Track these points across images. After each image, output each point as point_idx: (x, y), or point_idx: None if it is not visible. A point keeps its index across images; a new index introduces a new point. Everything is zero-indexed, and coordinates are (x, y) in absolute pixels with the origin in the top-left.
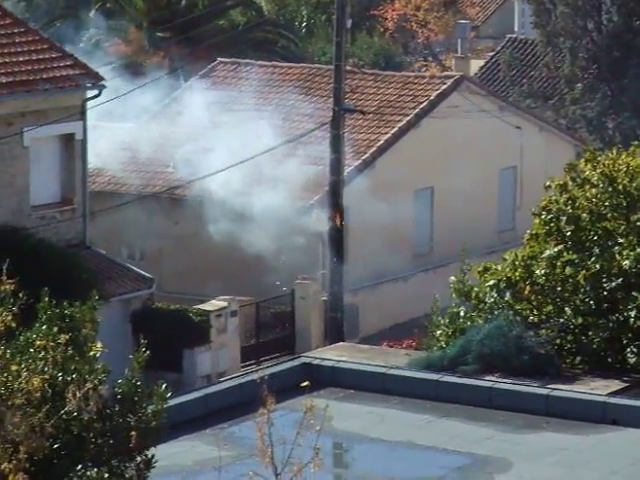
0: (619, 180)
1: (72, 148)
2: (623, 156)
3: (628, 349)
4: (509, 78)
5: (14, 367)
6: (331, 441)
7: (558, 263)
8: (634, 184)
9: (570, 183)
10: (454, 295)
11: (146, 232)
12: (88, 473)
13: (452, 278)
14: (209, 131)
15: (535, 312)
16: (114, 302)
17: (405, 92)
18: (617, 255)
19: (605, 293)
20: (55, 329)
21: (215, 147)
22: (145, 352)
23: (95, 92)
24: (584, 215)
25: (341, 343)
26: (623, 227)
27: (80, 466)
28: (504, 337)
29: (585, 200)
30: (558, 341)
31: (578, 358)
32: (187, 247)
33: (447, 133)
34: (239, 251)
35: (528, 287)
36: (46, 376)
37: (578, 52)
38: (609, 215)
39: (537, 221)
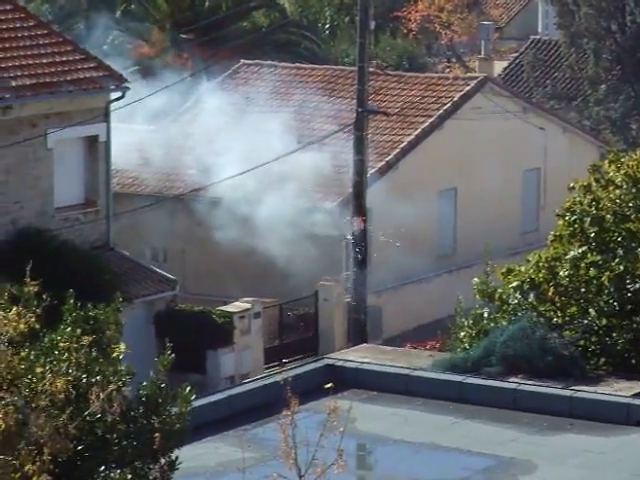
0: None
1: (96, 150)
2: None
3: None
4: (533, 79)
5: (38, 369)
6: (354, 443)
7: (582, 264)
8: None
9: (594, 184)
10: (477, 296)
11: (169, 234)
12: (112, 475)
13: (475, 279)
14: (231, 133)
15: (559, 313)
16: (137, 304)
17: (428, 93)
18: None
19: (629, 294)
20: (79, 331)
21: (237, 149)
22: (170, 355)
23: (119, 94)
24: (608, 216)
25: (364, 344)
26: None
27: (104, 467)
28: (528, 339)
29: (609, 201)
30: (582, 342)
31: (602, 359)
32: (210, 249)
33: (470, 134)
34: (262, 253)
35: (552, 288)
36: (70, 378)
37: (602, 53)
38: (633, 216)
39: (561, 222)
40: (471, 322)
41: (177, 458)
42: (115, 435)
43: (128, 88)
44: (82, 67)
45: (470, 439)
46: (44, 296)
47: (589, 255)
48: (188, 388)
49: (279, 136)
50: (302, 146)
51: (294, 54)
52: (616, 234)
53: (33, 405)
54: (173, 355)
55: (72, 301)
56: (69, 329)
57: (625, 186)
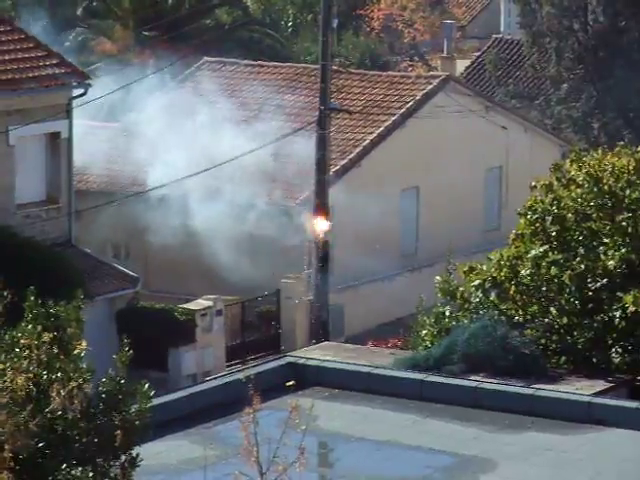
0: (604, 180)
1: (58, 147)
2: (608, 156)
3: (613, 349)
4: (495, 78)
5: None
6: (316, 440)
7: (543, 263)
8: (619, 184)
9: (555, 183)
10: (439, 295)
11: (131, 231)
12: (73, 472)
13: (437, 278)
14: (194, 130)
15: (520, 312)
16: (99, 301)
17: (391, 92)
18: (602, 255)
19: (590, 293)
20: (40, 328)
21: (199, 146)
22: (129, 351)
23: (81, 91)
24: (569, 215)
25: (326, 343)
26: (608, 227)
27: (65, 465)
28: (489, 337)
29: (570, 200)
30: (543, 341)
31: (563, 358)
32: (173, 246)
33: (433, 133)
34: (225, 250)
35: (513, 287)
36: (30, 375)
37: (564, 52)
38: (594, 215)
39: (522, 221)
40: (433, 320)
41: (138, 455)
42: (76, 432)
43: (90, 85)
44: (44, 64)
45: (431, 437)
46: (5, 293)
47: (550, 254)
48: (147, 384)
49: (239, 133)
50: (266, 144)
51: (257, 52)
52: (577, 233)
53: None
54: (132, 351)
55: (33, 298)
56: (30, 326)
57: (586, 185)
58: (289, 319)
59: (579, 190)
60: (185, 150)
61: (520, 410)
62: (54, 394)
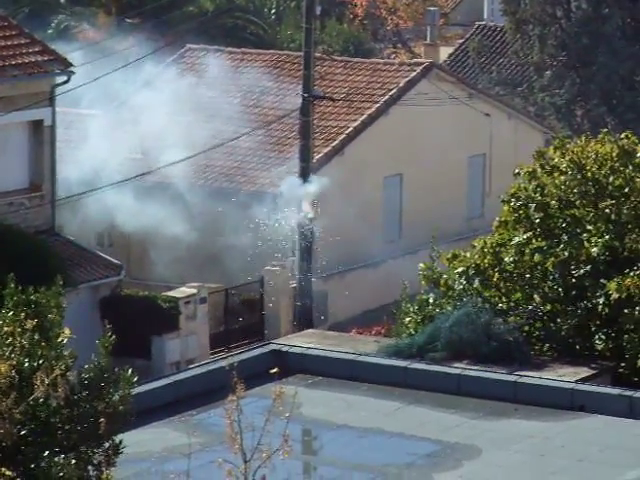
0: (588, 167)
1: (41, 134)
2: (592, 144)
3: (596, 336)
4: (478, 65)
5: None
6: (300, 428)
7: (527, 250)
8: (602, 171)
9: (539, 170)
10: (423, 282)
11: (115, 219)
12: (56, 459)
13: (421, 265)
14: (178, 117)
15: (504, 299)
16: (83, 289)
17: (374, 79)
18: (585, 242)
19: (573, 280)
20: (22, 315)
21: (184, 133)
22: (111, 337)
23: (64, 78)
24: (553, 202)
25: (310, 330)
26: (591, 214)
27: (48, 452)
28: (473, 324)
29: (554, 187)
30: (527, 328)
31: (546, 345)
32: (156, 234)
33: (416, 120)
34: (209, 238)
35: (497, 274)
36: (13, 362)
37: (547, 39)
38: (578, 202)
39: (506, 208)
40: (416, 308)
41: (121, 442)
42: (59, 419)
43: (73, 72)
44: (27, 51)
45: (415, 424)
46: None
47: (534, 241)
48: (130, 370)
49: (224, 120)
50: (249, 131)
51: (240, 39)
52: (561, 220)
53: None
54: (114, 337)
55: (12, 285)
56: (11, 313)
57: (570, 172)
58: (273, 306)
59: (562, 177)
60: (169, 137)
61: (503, 397)
62: (38, 382)
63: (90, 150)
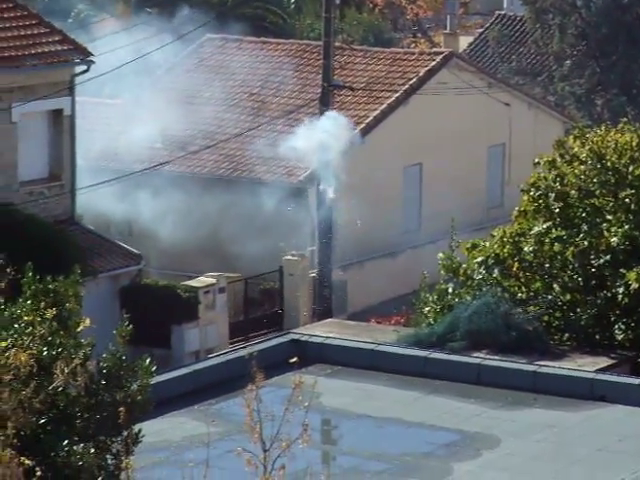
0: (607, 157)
1: (60, 124)
2: (611, 133)
3: (616, 326)
4: (498, 55)
5: (3, 343)
6: (319, 417)
7: (546, 240)
8: (622, 161)
9: (559, 160)
10: (442, 272)
11: (135, 209)
12: (75, 448)
13: (440, 255)
14: (197, 107)
15: (523, 289)
16: (102, 278)
17: (394, 68)
18: (605, 232)
19: (593, 270)
20: (42, 304)
21: (201, 124)
22: (129, 326)
23: (83, 67)
24: (572, 192)
25: (329, 319)
26: (611, 204)
27: (67, 441)
28: (492, 314)
29: (574, 177)
30: (546, 318)
31: (566, 335)
32: (176, 223)
33: (436, 110)
34: (228, 227)
35: (516, 264)
36: (33, 351)
37: (567, 29)
38: (597, 192)
39: (525, 198)
40: (436, 297)
41: (140, 431)
42: (78, 409)
43: (93, 62)
44: (46, 40)
45: (434, 414)
46: (8, 270)
47: (553, 230)
48: (148, 359)
49: (245, 111)
50: (268, 121)
51: (260, 28)
52: (580, 209)
53: None
54: (131, 326)
55: (31, 274)
56: (30, 302)
57: (590, 162)
58: (292, 296)
59: (582, 167)
60: (190, 127)
61: (523, 387)
62: (57, 371)
63: (109, 140)
